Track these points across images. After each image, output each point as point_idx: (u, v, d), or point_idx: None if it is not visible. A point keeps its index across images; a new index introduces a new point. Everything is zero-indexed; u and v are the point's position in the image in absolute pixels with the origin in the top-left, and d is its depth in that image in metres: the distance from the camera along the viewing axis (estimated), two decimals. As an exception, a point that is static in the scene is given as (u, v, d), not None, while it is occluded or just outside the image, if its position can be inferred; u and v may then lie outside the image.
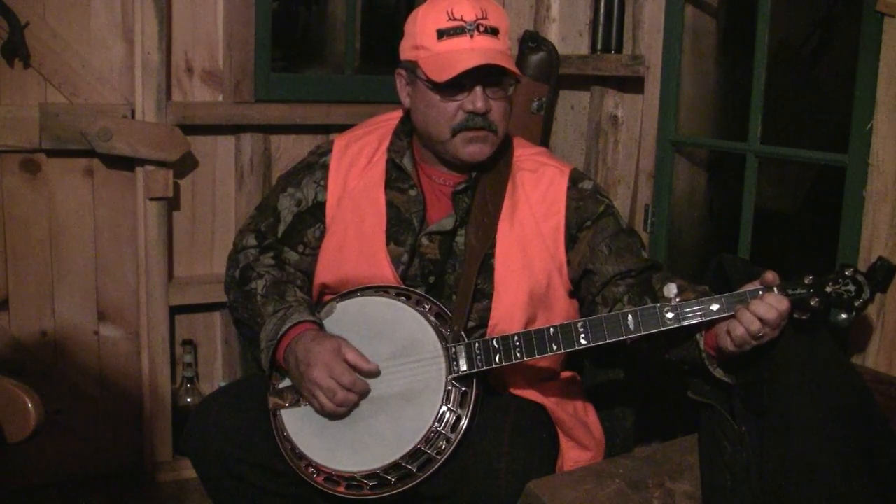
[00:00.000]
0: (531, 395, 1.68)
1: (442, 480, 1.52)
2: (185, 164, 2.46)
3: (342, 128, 1.97)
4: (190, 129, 2.39)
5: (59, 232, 2.36)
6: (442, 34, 1.58)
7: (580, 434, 1.70)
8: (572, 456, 1.68)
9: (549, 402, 1.67)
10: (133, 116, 2.31)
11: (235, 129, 2.51)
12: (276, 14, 2.64)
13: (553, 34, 2.57)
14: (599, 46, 2.40)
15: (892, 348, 1.61)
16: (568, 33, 2.55)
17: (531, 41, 2.46)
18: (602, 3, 2.38)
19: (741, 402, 1.49)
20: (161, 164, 2.33)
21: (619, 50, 2.36)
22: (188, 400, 2.51)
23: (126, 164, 2.36)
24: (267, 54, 2.48)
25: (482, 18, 1.59)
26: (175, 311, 2.50)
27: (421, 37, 1.60)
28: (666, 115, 2.15)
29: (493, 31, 1.60)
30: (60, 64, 2.25)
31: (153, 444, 2.45)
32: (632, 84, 2.30)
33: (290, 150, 2.57)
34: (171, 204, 2.45)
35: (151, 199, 2.35)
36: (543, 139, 2.54)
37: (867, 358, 1.64)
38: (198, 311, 2.56)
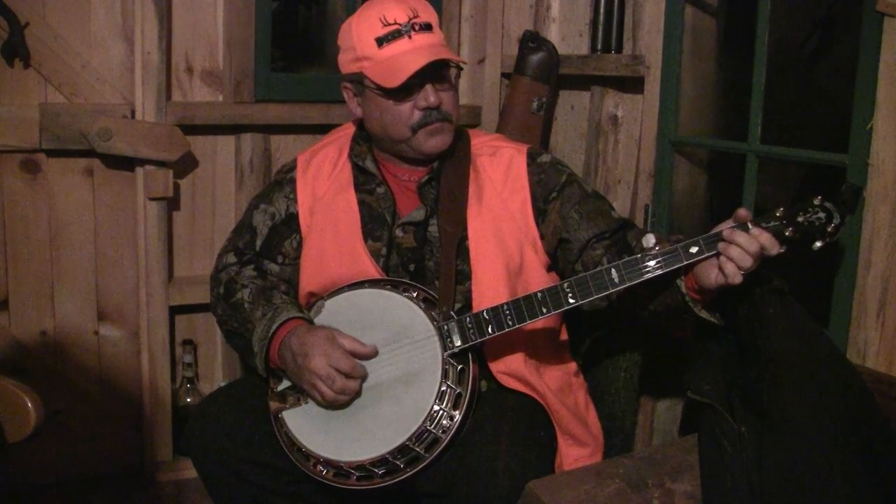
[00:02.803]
0: (533, 379, 1.68)
1: (440, 478, 1.53)
2: (185, 164, 2.46)
3: (342, 128, 1.98)
4: (190, 129, 2.39)
5: (59, 232, 2.36)
6: (381, 41, 1.62)
7: (578, 430, 1.70)
8: (571, 454, 1.69)
9: (550, 393, 1.68)
10: (133, 116, 2.31)
11: (235, 129, 2.51)
12: (276, 14, 2.63)
13: (553, 34, 2.57)
14: (599, 46, 2.40)
15: (892, 348, 1.61)
16: (568, 33, 2.55)
17: (531, 41, 2.47)
18: (602, 3, 2.39)
19: (741, 402, 1.49)
20: (161, 164, 2.33)
21: (619, 50, 2.36)
22: (188, 400, 2.51)
23: (126, 164, 2.36)
24: (267, 54, 2.48)
25: (415, 17, 1.63)
26: (175, 311, 2.50)
27: (360, 48, 1.64)
28: (666, 115, 2.15)
29: (428, 27, 1.65)
30: (60, 64, 2.25)
31: (153, 444, 2.45)
32: (632, 84, 2.30)
33: (290, 150, 2.57)
34: (171, 204, 2.45)
35: (151, 199, 2.35)
36: (543, 139, 2.54)
37: (867, 358, 1.64)
38: (198, 311, 2.56)
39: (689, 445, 1.61)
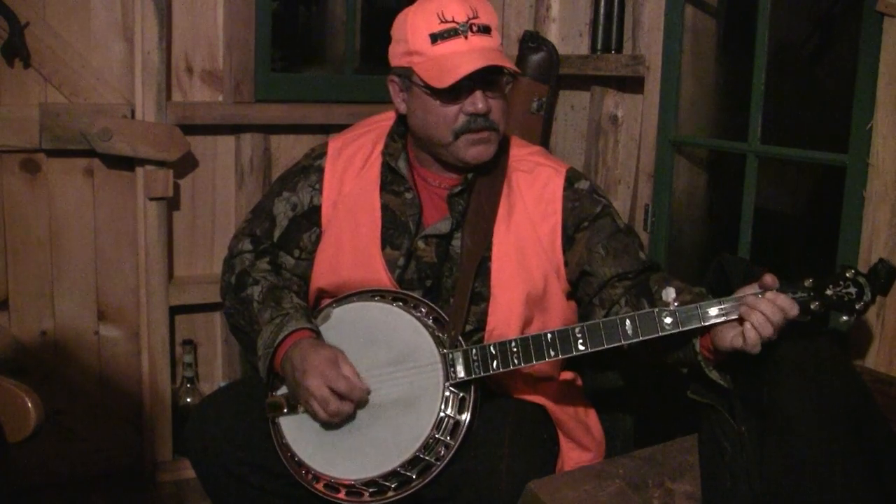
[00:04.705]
0: (531, 396, 1.67)
1: (443, 482, 1.52)
2: (185, 164, 2.46)
3: (342, 128, 1.97)
4: (190, 129, 2.39)
5: (59, 232, 2.36)
6: (436, 38, 1.56)
7: (580, 435, 1.69)
8: (573, 457, 1.68)
9: (549, 403, 1.67)
10: (133, 116, 2.31)
11: (235, 129, 2.51)
12: (276, 14, 2.64)
13: (553, 34, 2.57)
14: (599, 46, 2.40)
15: (892, 348, 1.61)
16: (568, 33, 2.55)
17: (531, 41, 2.47)
18: (602, 3, 2.39)
19: (741, 402, 1.49)
20: (161, 164, 2.33)
21: (619, 50, 2.36)
22: (188, 400, 2.51)
23: (126, 164, 2.36)
24: (267, 54, 2.48)
25: (474, 18, 1.57)
26: (175, 311, 2.50)
27: (413, 42, 1.58)
28: (666, 115, 2.15)
29: (486, 30, 1.58)
30: (60, 64, 2.25)
31: (153, 444, 2.45)
32: (632, 84, 2.30)
33: (290, 150, 2.57)
34: (171, 204, 2.45)
35: (151, 199, 2.35)
36: (543, 139, 2.54)
37: (867, 358, 1.64)
38: (198, 311, 2.56)
39: (689, 445, 1.61)
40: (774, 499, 1.36)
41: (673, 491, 1.49)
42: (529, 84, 2.46)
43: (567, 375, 1.82)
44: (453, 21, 1.55)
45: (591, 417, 1.80)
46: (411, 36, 1.58)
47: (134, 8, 2.27)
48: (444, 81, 1.53)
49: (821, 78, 2.71)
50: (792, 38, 2.66)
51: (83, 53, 2.29)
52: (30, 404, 1.41)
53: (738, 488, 1.42)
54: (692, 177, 2.32)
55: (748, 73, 1.92)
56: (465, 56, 1.54)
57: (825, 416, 1.38)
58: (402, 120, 1.73)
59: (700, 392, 1.55)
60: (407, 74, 1.62)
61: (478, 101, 1.57)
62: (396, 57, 1.64)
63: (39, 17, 2.22)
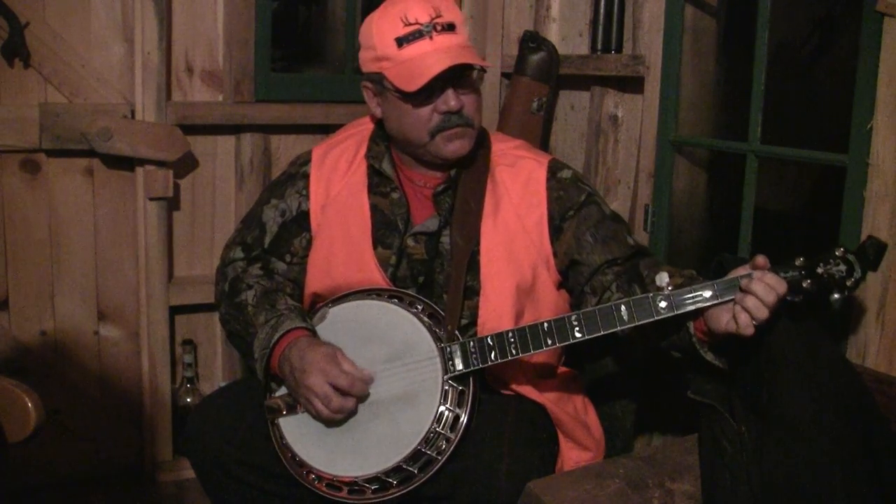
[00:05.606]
0: (530, 393, 1.68)
1: (442, 481, 1.52)
2: (185, 164, 2.46)
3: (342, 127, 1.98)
4: (190, 129, 2.39)
5: (59, 232, 2.36)
6: (401, 41, 1.57)
7: (580, 434, 1.70)
8: (572, 456, 1.68)
9: (549, 402, 1.67)
10: (133, 116, 2.31)
11: (235, 129, 2.51)
12: (276, 14, 2.63)
13: (553, 34, 2.57)
14: (599, 46, 2.40)
15: (892, 348, 1.61)
16: (568, 33, 2.55)
17: (531, 41, 2.47)
18: (602, 3, 2.39)
19: (741, 402, 1.49)
20: (161, 164, 2.33)
21: (619, 50, 2.36)
22: (188, 400, 2.51)
23: (126, 164, 2.36)
24: (267, 54, 2.48)
25: (437, 17, 1.58)
26: (175, 311, 2.50)
27: (381, 48, 1.59)
28: (666, 115, 2.15)
29: (451, 27, 1.60)
30: (60, 64, 2.25)
31: (153, 444, 2.45)
32: (632, 84, 2.30)
33: (290, 150, 2.57)
34: (171, 204, 2.45)
35: (151, 199, 2.35)
36: (543, 139, 2.54)
37: (867, 358, 1.64)
38: (198, 311, 2.56)
39: (689, 445, 1.61)
40: (774, 499, 1.36)
41: (673, 491, 1.49)
42: (529, 84, 2.46)
43: (567, 372, 1.82)
44: (417, 23, 1.57)
45: (591, 417, 1.80)
46: (378, 42, 1.60)
47: (134, 8, 2.27)
48: (415, 84, 1.55)
49: (821, 78, 2.71)
50: (792, 38, 2.66)
51: (83, 53, 2.29)
52: (30, 404, 1.41)
53: (738, 488, 1.42)
54: (692, 177, 2.32)
55: (748, 73, 1.92)
56: (432, 57, 1.56)
57: (825, 415, 1.38)
58: (380, 124, 1.75)
59: (700, 392, 1.55)
60: (379, 80, 1.64)
61: (450, 100, 1.59)
62: (366, 63, 1.65)
63: (39, 17, 2.22)
